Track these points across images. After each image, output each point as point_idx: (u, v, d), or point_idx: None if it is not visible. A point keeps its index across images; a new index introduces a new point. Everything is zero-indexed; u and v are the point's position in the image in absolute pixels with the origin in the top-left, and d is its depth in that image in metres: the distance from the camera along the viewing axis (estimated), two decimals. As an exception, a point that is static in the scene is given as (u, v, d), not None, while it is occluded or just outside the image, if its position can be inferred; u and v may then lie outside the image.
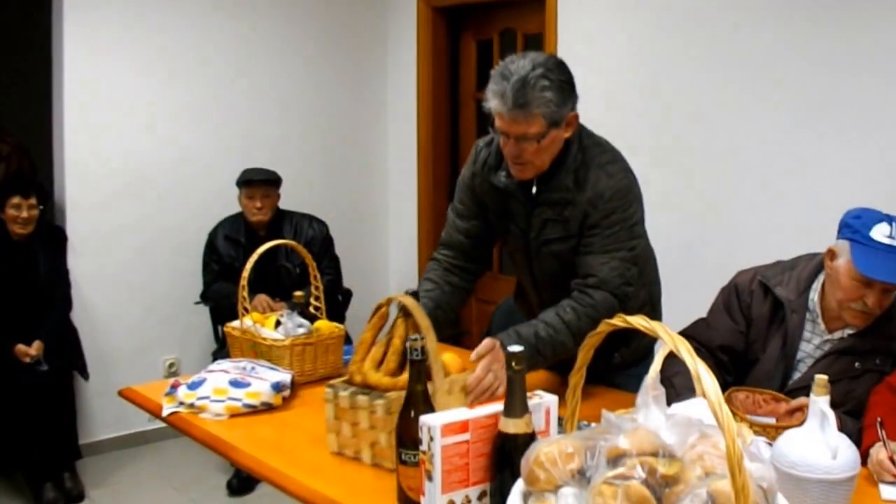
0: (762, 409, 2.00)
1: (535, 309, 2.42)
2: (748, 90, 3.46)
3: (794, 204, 3.34)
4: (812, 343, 2.14)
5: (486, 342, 2.11)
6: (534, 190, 2.27)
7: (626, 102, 3.91)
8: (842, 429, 1.57)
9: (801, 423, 1.63)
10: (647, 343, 2.46)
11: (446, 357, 1.98)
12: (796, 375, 2.15)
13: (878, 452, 1.74)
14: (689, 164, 3.71)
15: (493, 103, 2.13)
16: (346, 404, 1.86)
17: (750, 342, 2.22)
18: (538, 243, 2.33)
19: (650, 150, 3.79)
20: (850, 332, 2.09)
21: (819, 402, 1.52)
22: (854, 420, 1.97)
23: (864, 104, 3.14)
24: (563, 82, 2.12)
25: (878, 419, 1.81)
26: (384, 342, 1.94)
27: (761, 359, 2.19)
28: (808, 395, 1.73)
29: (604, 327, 1.23)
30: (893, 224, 1.97)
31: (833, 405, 1.55)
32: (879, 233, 1.96)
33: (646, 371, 2.55)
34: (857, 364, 2.06)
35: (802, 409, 1.87)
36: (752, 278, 2.25)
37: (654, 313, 2.49)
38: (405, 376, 1.77)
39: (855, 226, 2.00)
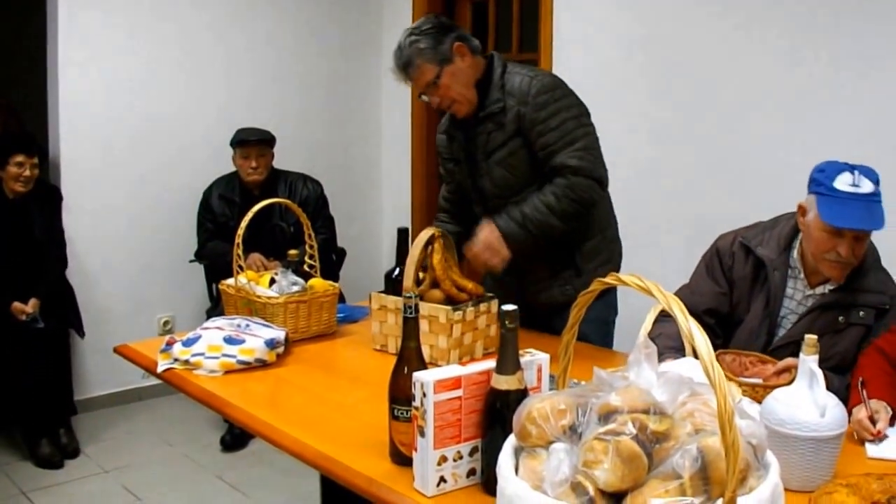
0: (749, 371, 2.02)
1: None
2: (748, 42, 3.45)
3: (795, 165, 3.32)
4: (795, 299, 2.17)
5: (484, 225, 2.44)
6: (480, 114, 2.49)
7: (624, 58, 3.88)
8: (828, 387, 1.59)
9: (788, 384, 1.65)
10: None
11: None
12: (781, 332, 2.17)
13: (859, 412, 1.78)
14: (687, 116, 3.69)
15: (396, 78, 2.49)
16: (472, 316, 2.25)
17: (734, 304, 2.25)
18: (485, 155, 2.53)
19: (647, 104, 3.79)
20: (832, 287, 2.12)
21: (808, 362, 1.53)
22: (840, 377, 2.00)
23: (868, 57, 3.12)
24: (427, 30, 2.43)
25: (860, 380, 1.85)
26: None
27: (745, 318, 2.22)
28: (793, 351, 1.75)
29: (597, 286, 1.23)
30: (856, 172, 1.99)
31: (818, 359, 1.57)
32: (843, 182, 1.98)
33: (601, 315, 2.69)
34: (840, 318, 2.09)
35: (790, 370, 1.89)
36: (732, 240, 2.28)
37: (609, 263, 2.60)
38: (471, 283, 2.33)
39: (819, 179, 2.03)
